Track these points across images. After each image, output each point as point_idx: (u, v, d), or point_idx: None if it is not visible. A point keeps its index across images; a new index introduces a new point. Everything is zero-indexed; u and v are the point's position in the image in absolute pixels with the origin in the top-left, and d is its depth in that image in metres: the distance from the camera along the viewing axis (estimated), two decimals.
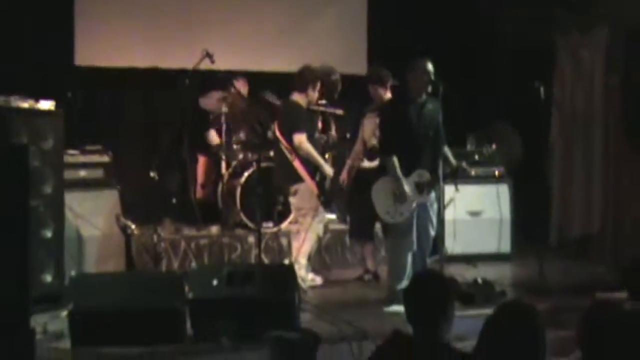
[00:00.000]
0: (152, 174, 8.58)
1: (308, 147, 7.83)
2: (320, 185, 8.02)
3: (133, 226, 8.43)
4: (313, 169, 7.95)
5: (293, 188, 7.96)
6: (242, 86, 9.62)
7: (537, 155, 9.50)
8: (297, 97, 8.02)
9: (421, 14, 10.65)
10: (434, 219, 7.37)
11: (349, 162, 8.56)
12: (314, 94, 8.11)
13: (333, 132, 9.33)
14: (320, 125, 9.32)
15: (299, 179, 7.90)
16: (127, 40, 9.75)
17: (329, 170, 8.05)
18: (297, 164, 7.88)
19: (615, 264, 8.63)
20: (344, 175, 8.48)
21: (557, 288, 7.80)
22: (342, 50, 10.53)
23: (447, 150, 7.39)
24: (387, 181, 7.24)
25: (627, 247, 9.25)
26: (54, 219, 7.31)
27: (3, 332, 5.28)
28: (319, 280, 8.22)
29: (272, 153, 8.44)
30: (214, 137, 9.62)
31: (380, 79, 8.14)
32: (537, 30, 10.26)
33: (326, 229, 8.80)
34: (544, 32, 10.24)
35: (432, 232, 7.39)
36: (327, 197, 8.12)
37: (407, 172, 7.21)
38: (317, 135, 8.70)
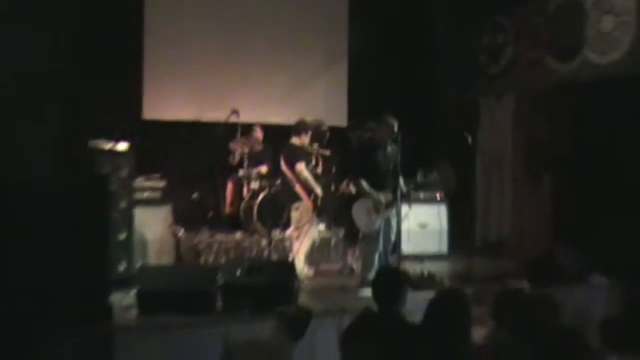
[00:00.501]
0: (194, 195, 8.58)
1: (306, 174, 7.81)
2: (314, 202, 8.01)
3: (181, 232, 8.44)
4: (309, 191, 7.93)
5: (295, 205, 7.94)
6: (259, 133, 9.68)
7: (466, 183, 9.49)
8: (295, 139, 8.02)
9: (390, 80, 10.61)
10: (394, 228, 7.34)
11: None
12: (306, 138, 8.08)
13: (320, 166, 9.32)
14: (313, 161, 9.33)
15: (299, 199, 7.91)
16: (179, 99, 9.71)
17: (319, 192, 8.01)
18: (298, 187, 7.88)
19: (520, 261, 8.64)
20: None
21: (480, 278, 7.75)
22: (329, 107, 10.48)
23: (401, 180, 7.41)
24: (364, 201, 7.21)
25: (528, 249, 9.26)
26: (127, 226, 7.31)
27: (90, 305, 5.32)
28: (311, 272, 8.18)
29: (279, 181, 8.45)
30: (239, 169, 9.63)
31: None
32: (468, 95, 10.35)
33: (318, 235, 8.85)
34: (472, 96, 10.33)
35: (392, 238, 7.35)
36: (320, 211, 8.11)
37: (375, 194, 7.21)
38: (310, 167, 8.72)
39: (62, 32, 7.09)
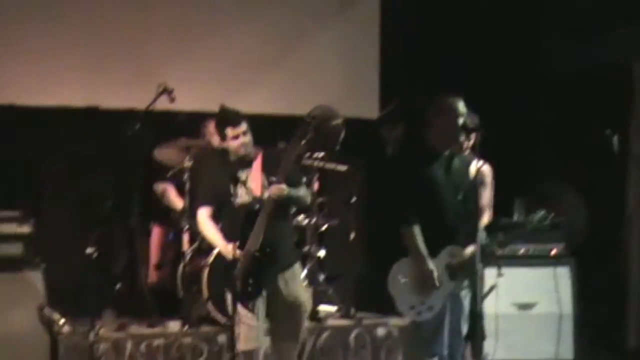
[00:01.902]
0: (88, 250, 8.55)
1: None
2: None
3: (62, 321, 8.37)
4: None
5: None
6: (214, 132, 9.64)
7: (610, 227, 9.46)
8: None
9: (447, 40, 10.83)
10: (467, 312, 7.28)
11: None
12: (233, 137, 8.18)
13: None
14: (316, 186, 9.34)
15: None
16: (56, 73, 9.85)
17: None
18: None
19: None
20: None
21: None
22: (346, 86, 10.66)
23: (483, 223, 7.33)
24: (409, 264, 7.18)
25: None
26: None
27: None
28: None
29: None
30: (174, 200, 9.60)
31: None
32: (607, 56, 10.29)
33: (323, 324, 9.08)
34: (617, 57, 10.27)
35: (465, 331, 7.31)
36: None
37: (434, 252, 7.14)
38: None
39: None
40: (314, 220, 9.43)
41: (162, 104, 8.85)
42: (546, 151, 10.52)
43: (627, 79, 10.24)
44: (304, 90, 10.31)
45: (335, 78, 10.71)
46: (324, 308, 9.53)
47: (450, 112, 7.17)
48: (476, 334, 7.25)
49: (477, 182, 7.39)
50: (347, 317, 9.47)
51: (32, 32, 9.78)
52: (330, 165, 9.42)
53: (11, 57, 9.71)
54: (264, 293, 7.23)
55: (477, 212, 7.11)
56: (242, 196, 7.38)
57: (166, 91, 8.81)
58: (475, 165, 7.60)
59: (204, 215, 7.61)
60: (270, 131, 9.44)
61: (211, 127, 9.58)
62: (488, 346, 8.58)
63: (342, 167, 9.45)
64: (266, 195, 7.20)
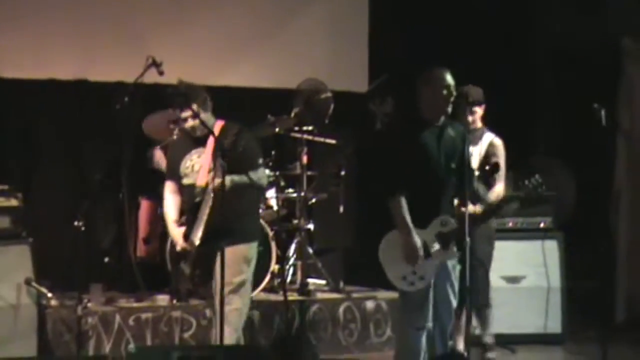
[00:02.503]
0: (77, 223, 8.52)
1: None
2: None
3: (49, 294, 8.35)
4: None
5: None
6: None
7: (597, 202, 9.47)
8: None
9: (440, 12, 10.76)
10: (456, 284, 7.27)
11: None
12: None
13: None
14: (305, 159, 9.35)
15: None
16: (45, 45, 9.79)
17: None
18: None
19: None
20: None
21: None
22: (335, 59, 10.64)
23: (478, 185, 7.33)
24: (398, 235, 7.15)
25: None
26: None
27: None
28: None
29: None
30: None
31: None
32: (595, 32, 10.29)
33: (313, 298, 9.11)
34: (605, 33, 10.27)
35: (454, 302, 7.29)
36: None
37: (425, 221, 7.08)
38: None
39: None
40: (302, 193, 9.41)
41: (151, 77, 8.81)
42: (537, 126, 10.49)
43: (615, 53, 10.24)
44: (294, 64, 10.29)
45: (325, 52, 10.68)
46: (313, 281, 9.54)
47: (437, 82, 7.13)
48: (465, 306, 7.29)
49: (489, 150, 7.97)
50: (336, 290, 9.47)
51: (21, 6, 9.72)
52: (319, 139, 9.40)
53: (13, 34, 9.64)
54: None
55: (468, 180, 7.11)
56: (188, 177, 7.46)
57: (155, 64, 8.79)
58: (487, 138, 7.75)
59: (165, 190, 7.73)
60: (259, 104, 9.50)
61: None
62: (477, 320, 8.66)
63: (331, 141, 9.43)
64: (210, 186, 7.25)
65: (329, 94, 9.35)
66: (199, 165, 7.37)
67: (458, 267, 7.24)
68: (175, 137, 8.82)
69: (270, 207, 9.41)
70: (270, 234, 9.04)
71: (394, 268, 7.14)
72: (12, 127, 9.71)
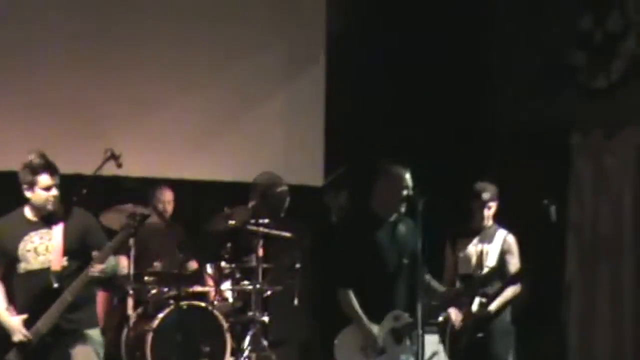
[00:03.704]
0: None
1: None
2: None
3: None
4: None
5: None
6: (167, 198, 9.70)
7: (549, 295, 9.51)
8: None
9: (398, 107, 10.87)
10: None
11: None
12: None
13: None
14: (261, 252, 9.39)
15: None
16: (6, 141, 9.80)
17: None
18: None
19: None
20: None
21: None
22: (291, 153, 10.76)
23: (429, 279, 7.37)
24: (354, 331, 7.16)
25: None
26: None
27: None
28: None
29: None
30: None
31: None
32: (549, 128, 10.45)
33: None
34: (558, 129, 10.42)
35: None
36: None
37: (378, 317, 7.13)
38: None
39: None
40: (258, 285, 9.43)
41: (110, 169, 8.82)
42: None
43: (564, 149, 10.36)
44: (250, 158, 10.34)
45: (281, 146, 10.74)
46: None
47: (395, 180, 7.23)
48: None
49: (504, 249, 8.22)
50: None
51: None
52: (275, 232, 9.46)
53: None
54: None
55: (419, 276, 7.16)
56: (30, 262, 6.86)
57: (113, 156, 8.81)
58: (500, 235, 8.20)
59: None
60: (216, 197, 9.55)
61: (165, 192, 9.68)
62: None
63: (287, 234, 9.49)
64: (85, 272, 6.78)
65: (285, 188, 9.42)
66: (43, 247, 6.86)
67: None
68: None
69: (226, 299, 9.42)
70: (226, 326, 9.04)
71: None
72: None
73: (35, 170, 6.95)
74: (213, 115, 10.62)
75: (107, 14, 10.29)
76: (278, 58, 10.98)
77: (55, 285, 6.74)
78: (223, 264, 9.38)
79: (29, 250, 6.83)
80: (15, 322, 6.74)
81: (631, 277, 9.86)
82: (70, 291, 6.76)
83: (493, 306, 8.08)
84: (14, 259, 6.83)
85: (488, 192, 8.31)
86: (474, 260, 8.32)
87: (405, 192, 7.18)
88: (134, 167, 8.97)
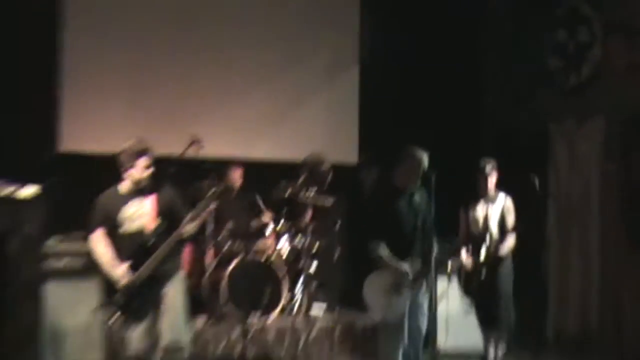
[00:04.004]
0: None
1: None
2: None
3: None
4: None
5: None
6: (237, 174, 9.72)
7: (533, 248, 9.44)
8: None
9: (415, 102, 10.76)
10: (426, 312, 7.32)
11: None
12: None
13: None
14: (309, 216, 9.40)
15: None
16: (111, 126, 9.70)
17: None
18: None
19: None
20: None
21: None
22: (333, 138, 10.67)
23: (434, 244, 7.37)
24: (382, 275, 7.21)
25: (630, 345, 9.20)
26: (33, 308, 7.25)
27: None
28: None
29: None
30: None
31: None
32: (533, 119, 10.43)
33: (315, 321, 9.08)
34: (539, 120, 10.40)
35: (425, 327, 7.34)
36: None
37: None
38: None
39: None
40: (307, 241, 9.46)
41: (193, 153, 8.75)
42: None
43: (545, 135, 10.34)
44: (301, 141, 10.29)
45: (325, 132, 10.66)
46: (315, 307, 9.57)
47: (415, 160, 7.24)
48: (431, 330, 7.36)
49: (504, 210, 8.18)
50: (333, 314, 9.49)
51: (87, 90, 9.70)
52: (320, 200, 9.49)
53: (80, 113, 9.63)
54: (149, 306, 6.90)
55: (431, 235, 7.19)
56: (129, 225, 6.95)
57: (196, 142, 8.82)
58: (501, 200, 8.20)
59: (99, 236, 7.02)
60: (274, 173, 9.53)
61: (236, 170, 9.69)
62: (439, 339, 8.64)
63: (329, 202, 9.52)
64: (177, 232, 6.90)
65: (328, 165, 9.42)
66: (137, 214, 6.94)
67: (427, 300, 7.29)
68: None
69: (282, 252, 9.45)
70: (282, 272, 9.09)
71: (374, 304, 7.24)
72: (88, 191, 9.59)
73: (137, 154, 7.01)
74: (273, 108, 10.54)
75: (196, 23, 10.17)
76: (323, 62, 10.86)
77: (149, 243, 6.85)
78: (280, 224, 9.38)
79: (127, 217, 6.93)
80: (121, 270, 6.84)
81: (597, 235, 9.84)
82: (164, 248, 6.86)
83: (503, 251, 8.10)
84: (116, 224, 6.93)
85: (489, 166, 8.30)
86: (481, 221, 8.33)
87: (417, 168, 7.20)
88: (211, 150, 8.97)
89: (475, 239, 8.32)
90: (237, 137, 10.25)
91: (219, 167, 9.55)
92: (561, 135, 10.30)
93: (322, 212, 9.58)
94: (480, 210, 8.39)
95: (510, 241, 8.16)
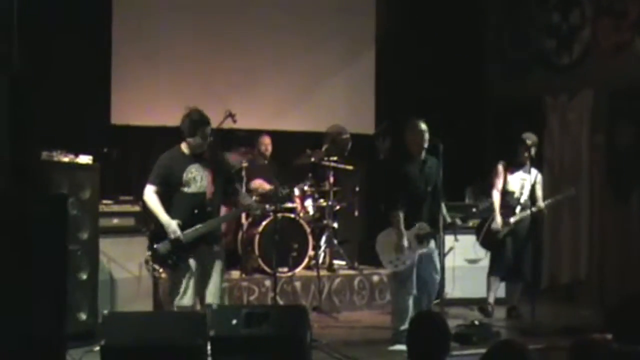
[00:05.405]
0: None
1: None
2: None
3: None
4: None
5: None
6: (267, 142, 9.71)
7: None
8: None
9: (425, 78, 10.72)
10: (438, 266, 7.35)
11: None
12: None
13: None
14: (332, 180, 9.39)
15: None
16: (158, 101, 9.68)
17: None
18: None
19: (601, 309, 8.55)
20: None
21: (547, 329, 7.73)
22: (352, 110, 10.59)
23: (442, 207, 7.36)
24: (390, 234, 7.24)
25: (612, 291, 9.21)
26: (90, 262, 7.35)
27: None
28: None
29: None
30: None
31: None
32: (529, 93, 10.39)
33: (336, 273, 9.10)
34: (535, 94, 10.34)
35: (437, 278, 7.36)
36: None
37: (408, 226, 7.21)
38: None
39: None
40: (330, 202, 9.45)
41: (228, 124, 8.77)
42: (490, 153, 10.48)
43: (540, 108, 10.31)
44: (324, 113, 10.21)
45: (345, 105, 10.54)
46: (337, 262, 9.58)
47: (414, 129, 7.22)
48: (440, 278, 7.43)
49: (536, 181, 8.37)
50: (353, 268, 9.50)
51: (137, 69, 9.70)
52: (341, 166, 9.47)
53: (130, 89, 9.61)
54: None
55: (439, 199, 7.20)
56: (192, 186, 6.61)
57: (231, 115, 8.82)
58: (534, 172, 8.33)
59: (152, 191, 6.72)
60: (300, 142, 9.50)
61: (265, 139, 9.66)
62: (447, 288, 8.66)
63: (349, 167, 9.50)
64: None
65: (348, 135, 9.40)
66: (200, 177, 6.63)
67: (435, 254, 7.32)
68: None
69: (308, 212, 9.45)
70: (308, 230, 9.10)
71: (385, 255, 7.29)
72: (136, 159, 9.56)
73: (201, 123, 6.74)
74: (299, 85, 10.47)
75: (231, 11, 10.12)
76: (343, 43, 10.74)
77: (209, 208, 6.65)
78: (306, 187, 9.36)
79: (192, 177, 6.62)
80: (173, 223, 6.61)
81: (586, 197, 9.85)
82: (222, 219, 6.94)
83: (544, 203, 8.47)
84: (180, 184, 6.62)
85: (530, 140, 8.32)
86: (518, 184, 8.49)
87: (420, 136, 7.17)
88: (244, 121, 8.96)
89: (507, 201, 8.42)
90: (267, 111, 10.21)
91: (251, 136, 9.55)
92: (554, 108, 10.26)
93: (343, 176, 9.54)
94: (518, 177, 8.47)
95: (541, 203, 8.43)
